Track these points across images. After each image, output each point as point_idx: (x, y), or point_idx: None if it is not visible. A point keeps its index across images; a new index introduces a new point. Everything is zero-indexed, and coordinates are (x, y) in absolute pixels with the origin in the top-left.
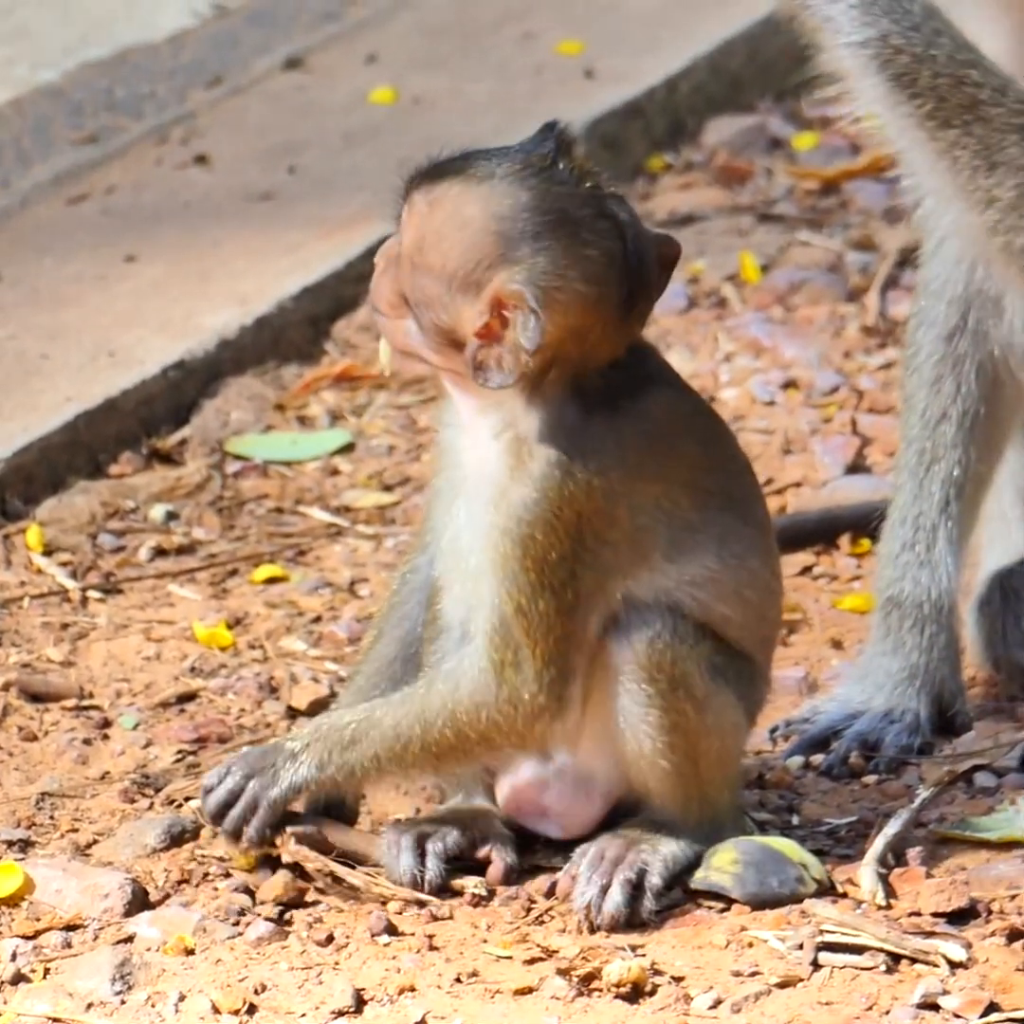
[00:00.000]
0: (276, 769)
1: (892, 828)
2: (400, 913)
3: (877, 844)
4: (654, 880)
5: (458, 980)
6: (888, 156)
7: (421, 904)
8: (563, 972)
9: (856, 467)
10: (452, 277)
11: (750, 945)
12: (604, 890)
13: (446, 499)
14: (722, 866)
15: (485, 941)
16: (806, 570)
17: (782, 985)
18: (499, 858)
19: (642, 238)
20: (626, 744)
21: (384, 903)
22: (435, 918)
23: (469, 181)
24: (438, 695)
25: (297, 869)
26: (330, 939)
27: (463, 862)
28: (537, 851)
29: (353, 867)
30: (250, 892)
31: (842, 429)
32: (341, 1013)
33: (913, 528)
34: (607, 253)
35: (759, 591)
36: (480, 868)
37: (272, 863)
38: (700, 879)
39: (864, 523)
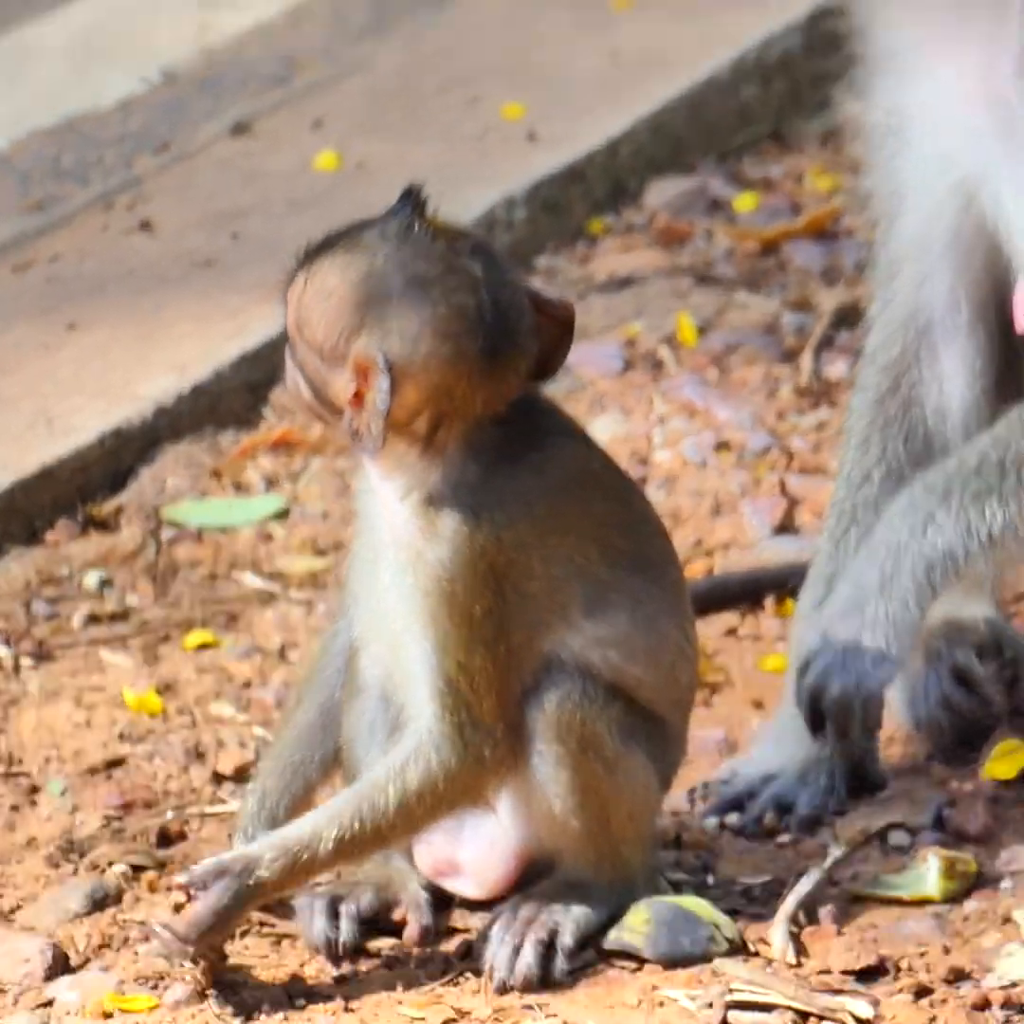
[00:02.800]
0: (247, 878)
1: (804, 887)
2: (317, 975)
3: (788, 902)
4: (566, 940)
5: None
6: (825, 216)
7: (336, 964)
8: None
9: (784, 528)
10: (322, 349)
11: (661, 1004)
12: (516, 950)
13: (364, 563)
14: (634, 926)
15: (400, 1002)
16: (731, 631)
17: None
18: (415, 919)
19: (502, 290)
20: (538, 804)
21: (302, 966)
22: (351, 980)
23: (334, 253)
24: (409, 769)
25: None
26: (247, 1003)
27: (379, 924)
28: (453, 912)
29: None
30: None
31: (771, 490)
32: None
33: (826, 589)
34: (458, 309)
35: (671, 654)
36: (396, 930)
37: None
38: (613, 939)
39: (789, 584)
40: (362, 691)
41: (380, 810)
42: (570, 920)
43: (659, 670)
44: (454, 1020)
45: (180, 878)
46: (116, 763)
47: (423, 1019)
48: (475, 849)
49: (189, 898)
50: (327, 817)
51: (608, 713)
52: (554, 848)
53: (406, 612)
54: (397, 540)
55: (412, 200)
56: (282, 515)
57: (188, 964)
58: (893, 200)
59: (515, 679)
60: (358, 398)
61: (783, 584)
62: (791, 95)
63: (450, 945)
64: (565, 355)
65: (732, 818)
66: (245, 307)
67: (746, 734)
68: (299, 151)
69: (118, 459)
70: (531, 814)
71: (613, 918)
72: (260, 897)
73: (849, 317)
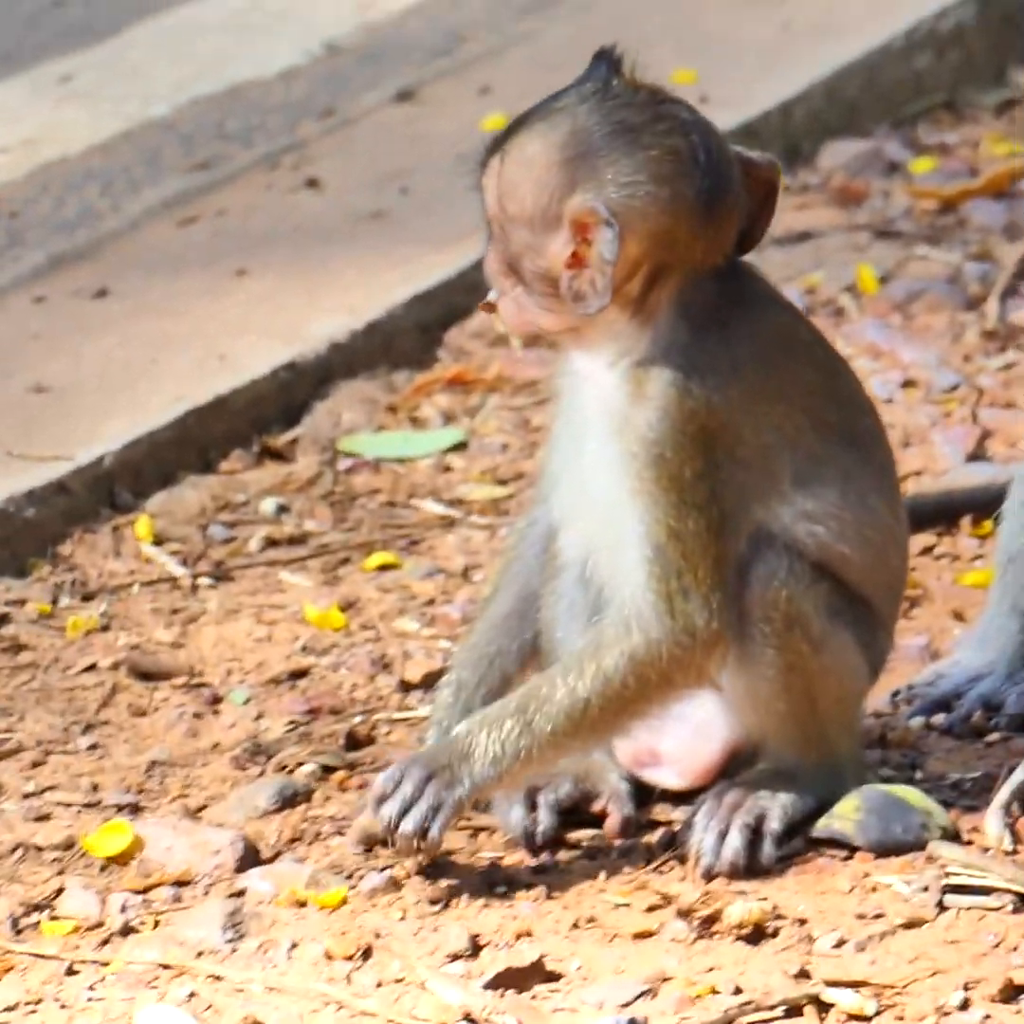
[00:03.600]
0: (453, 768)
1: (1019, 776)
2: (516, 866)
3: (1003, 792)
4: (773, 825)
5: (576, 926)
6: (1006, 175)
7: (535, 854)
8: (683, 914)
9: (977, 457)
10: (533, 219)
11: (874, 889)
12: (722, 836)
13: (565, 444)
14: (844, 813)
15: (603, 891)
16: (927, 550)
17: (907, 926)
18: (616, 810)
19: (710, 135)
20: (743, 685)
21: (500, 857)
22: (551, 870)
23: (530, 124)
24: (611, 644)
25: None
26: (445, 890)
27: (578, 816)
28: (654, 806)
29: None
30: (366, 850)
31: (963, 421)
32: (457, 957)
33: None
34: (671, 151)
35: (881, 533)
36: (596, 822)
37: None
38: (822, 827)
39: (986, 505)
40: (561, 573)
41: (579, 687)
42: (777, 806)
43: (868, 550)
44: (660, 906)
45: (374, 786)
46: (300, 673)
47: (628, 905)
48: (677, 737)
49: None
50: (525, 695)
51: (815, 591)
52: (760, 734)
53: (613, 482)
54: (604, 409)
55: (606, 60)
56: (460, 447)
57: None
58: None
59: (731, 547)
60: (577, 258)
61: (980, 505)
62: (966, 66)
63: (652, 836)
64: (769, 220)
65: (938, 718)
66: (416, 256)
67: (948, 643)
68: (465, 116)
69: (292, 393)
70: (736, 694)
71: (821, 807)
72: (473, 790)
73: None
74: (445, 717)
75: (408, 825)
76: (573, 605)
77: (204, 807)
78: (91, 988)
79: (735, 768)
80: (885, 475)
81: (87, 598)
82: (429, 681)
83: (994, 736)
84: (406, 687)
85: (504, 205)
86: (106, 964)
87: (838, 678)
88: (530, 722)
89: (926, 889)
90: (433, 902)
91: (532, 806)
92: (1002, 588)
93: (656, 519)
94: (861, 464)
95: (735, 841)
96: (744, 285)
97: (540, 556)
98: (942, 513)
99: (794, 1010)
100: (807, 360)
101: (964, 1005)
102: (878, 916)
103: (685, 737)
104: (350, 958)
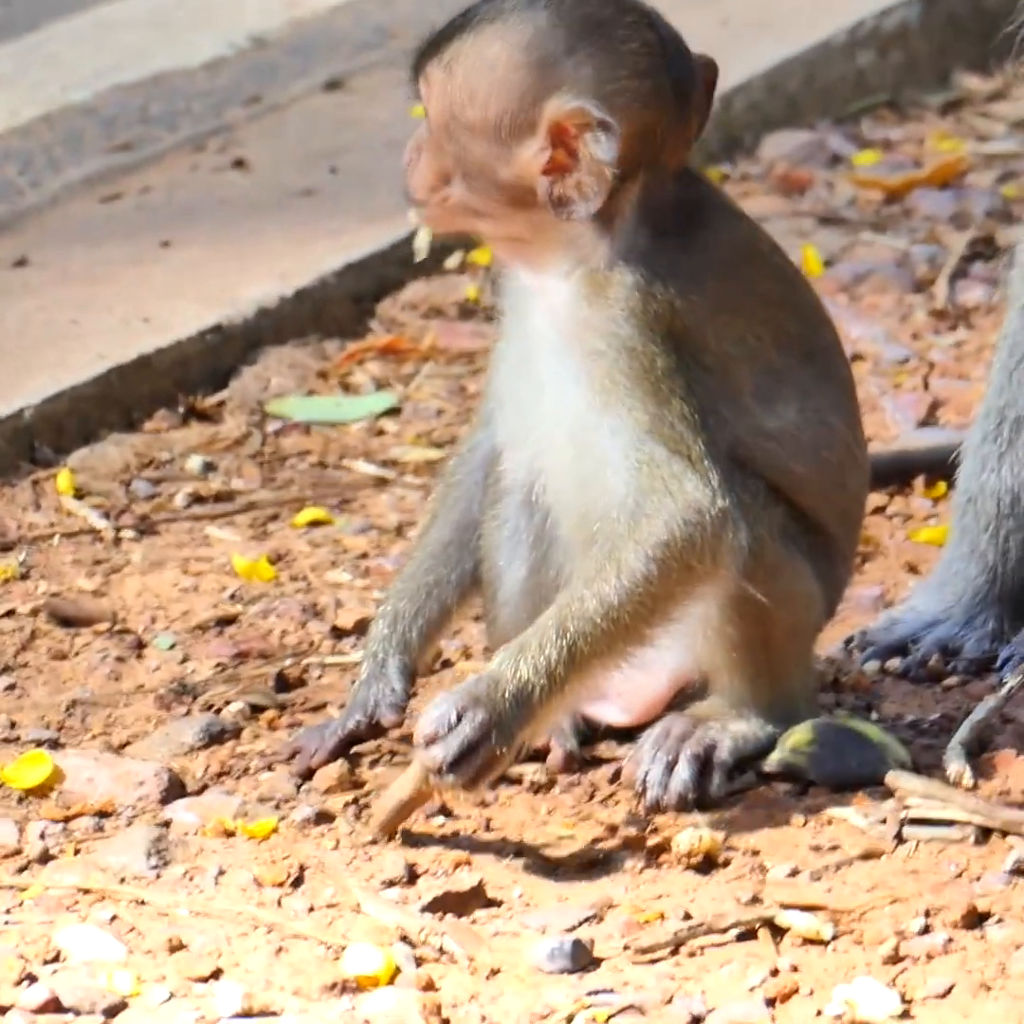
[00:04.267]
0: (506, 710)
1: (979, 714)
2: (456, 799)
3: (963, 728)
4: (723, 756)
5: (518, 854)
6: (953, 165)
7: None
8: (630, 843)
9: (928, 424)
10: (497, 127)
11: (829, 822)
12: (670, 767)
13: (510, 364)
14: (798, 746)
15: (545, 823)
16: (879, 510)
17: (864, 857)
18: (558, 744)
19: (669, 26)
20: (692, 613)
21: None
22: (491, 804)
23: (478, 27)
24: (623, 540)
25: (351, 758)
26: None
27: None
28: (599, 744)
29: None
30: (296, 785)
31: (913, 390)
32: (393, 883)
33: (997, 419)
34: (646, 44)
35: (839, 453)
36: (538, 757)
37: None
38: (774, 761)
39: (940, 466)
40: (504, 497)
41: (607, 589)
42: (728, 737)
43: (826, 472)
44: (605, 837)
45: (423, 727)
46: (228, 621)
47: (572, 836)
48: (622, 671)
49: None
50: (554, 616)
51: (770, 514)
52: (710, 664)
53: (574, 390)
54: (559, 318)
55: None
56: (394, 412)
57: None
58: None
59: (716, 437)
60: (555, 163)
61: (934, 466)
62: (909, 66)
63: (597, 772)
64: (707, 117)
65: (894, 663)
66: (348, 228)
67: (903, 593)
68: (395, 103)
69: (219, 356)
70: (686, 624)
71: (774, 741)
72: (530, 732)
73: (983, 251)
74: (380, 649)
75: (468, 770)
76: (517, 531)
77: (127, 744)
78: (8, 912)
79: (682, 704)
80: (845, 392)
81: (5, 548)
82: (362, 627)
83: (951, 680)
84: (338, 633)
85: (456, 114)
86: (24, 889)
87: (792, 607)
88: (573, 645)
89: (884, 821)
90: (368, 831)
91: None
92: (960, 530)
93: (634, 410)
94: (820, 379)
95: (683, 773)
96: (700, 191)
97: (481, 482)
98: (896, 472)
99: (747, 933)
100: (767, 271)
101: (925, 930)
102: (834, 848)
103: (630, 671)
104: (280, 885)
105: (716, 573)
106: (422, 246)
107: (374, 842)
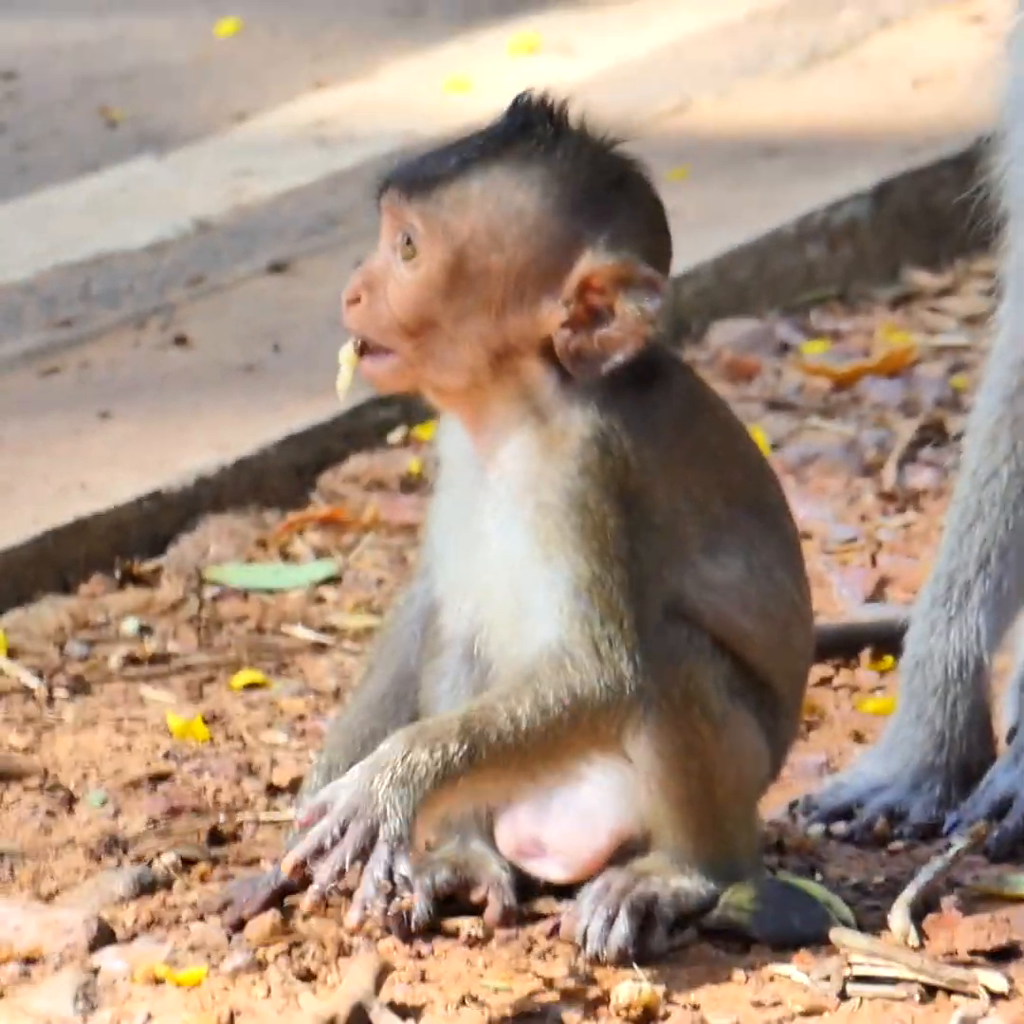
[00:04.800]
0: (383, 798)
1: (925, 876)
2: (390, 952)
3: (908, 889)
4: (665, 911)
5: (462, 1004)
6: (902, 354)
7: (407, 940)
8: (568, 996)
9: (875, 600)
10: (522, 275)
11: (771, 978)
12: (610, 921)
13: (450, 514)
14: (740, 904)
15: (482, 975)
16: (825, 681)
17: (807, 1013)
18: (496, 899)
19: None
20: (635, 766)
21: (377, 941)
22: (427, 956)
23: (489, 170)
24: (548, 676)
25: (284, 909)
26: (311, 972)
27: (457, 906)
28: (538, 898)
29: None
30: (228, 936)
31: (861, 566)
32: None
33: (947, 584)
34: (656, 201)
35: (785, 609)
36: (476, 911)
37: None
38: (716, 917)
39: (887, 639)
40: (444, 650)
41: (523, 720)
42: (669, 892)
43: (772, 627)
44: (543, 990)
45: (299, 812)
46: (161, 777)
47: (510, 989)
48: (562, 826)
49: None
50: (475, 721)
51: (716, 668)
52: (652, 819)
53: (519, 541)
54: (510, 469)
55: (539, 107)
56: (333, 581)
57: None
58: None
59: (649, 611)
60: (576, 317)
61: (881, 639)
62: (859, 260)
63: (535, 927)
64: None
65: (839, 827)
66: (290, 402)
67: (848, 761)
68: (340, 286)
69: (156, 523)
70: (626, 778)
71: (715, 898)
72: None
73: (933, 437)
74: None
75: (337, 875)
76: (457, 684)
77: (56, 893)
78: None
79: (624, 860)
80: (790, 548)
81: None
82: (298, 785)
83: (897, 845)
84: (274, 791)
85: (474, 257)
86: None
87: (737, 763)
88: (473, 746)
89: (827, 978)
90: (300, 979)
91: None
92: (908, 695)
93: (577, 566)
94: (767, 534)
95: (623, 927)
96: (655, 351)
97: (419, 634)
98: (842, 645)
99: None
100: (716, 425)
101: None
102: (776, 1004)
103: (570, 826)
104: None
105: (616, 744)
106: (344, 387)
107: (306, 988)
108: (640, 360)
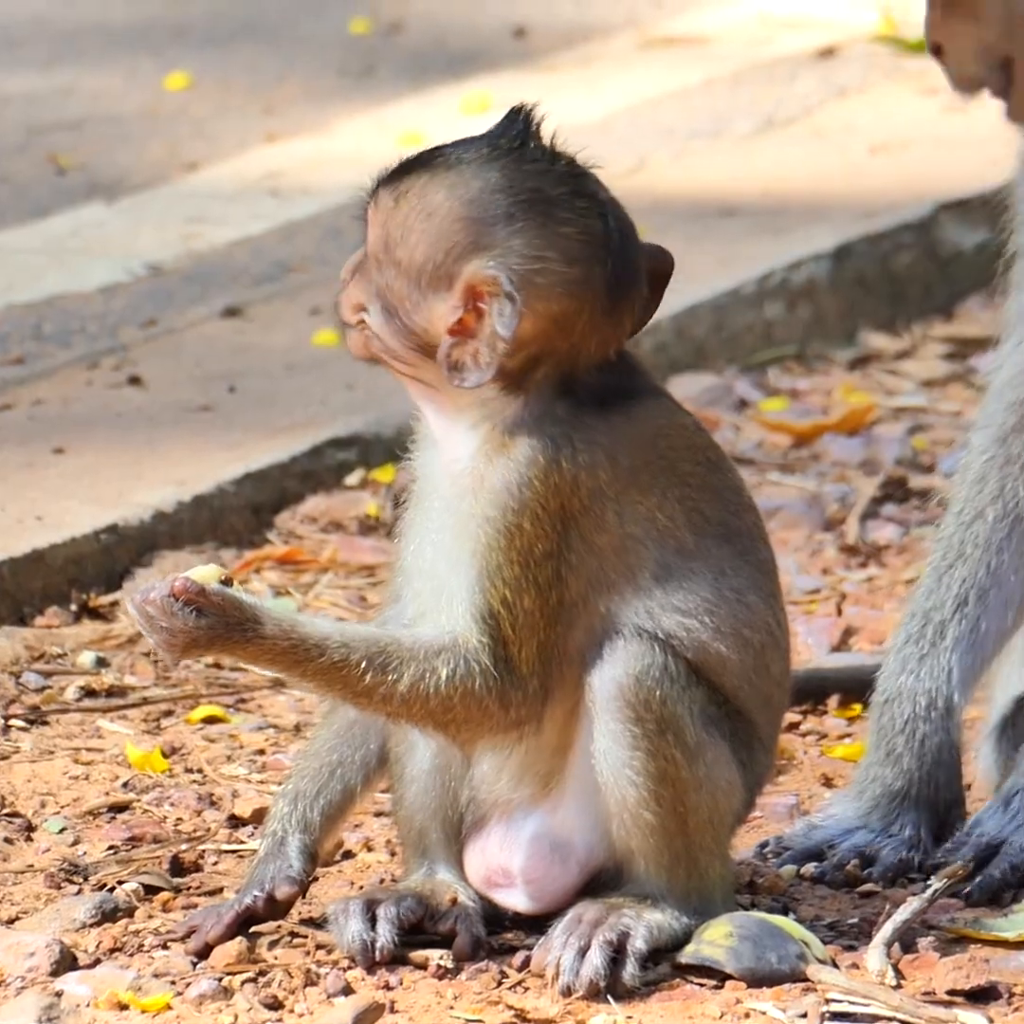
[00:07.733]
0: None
1: (902, 915)
2: (357, 982)
3: (885, 928)
4: (638, 944)
5: None
6: (864, 412)
7: (372, 971)
8: None
9: (841, 649)
10: (421, 272)
11: (747, 1015)
12: (582, 953)
13: (419, 531)
14: (715, 939)
15: (452, 1007)
16: (793, 726)
17: None
18: (465, 929)
19: (624, 218)
20: (608, 795)
21: (345, 970)
22: (395, 987)
23: (435, 170)
24: (444, 664)
25: (250, 936)
26: (278, 1000)
27: (424, 936)
28: (508, 930)
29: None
30: (192, 963)
31: (827, 616)
32: None
33: (922, 622)
34: (586, 231)
35: (761, 634)
36: (444, 943)
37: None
38: (690, 953)
39: (855, 687)
40: None
41: (390, 671)
42: (643, 925)
43: (747, 652)
44: (514, 1022)
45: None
46: (120, 807)
47: (480, 1021)
48: (532, 857)
49: None
50: (343, 637)
51: (691, 695)
52: (624, 851)
53: (459, 543)
54: (458, 469)
55: (524, 119)
56: None
57: None
58: None
59: (562, 637)
60: (463, 325)
61: (849, 687)
62: (817, 321)
63: (506, 960)
64: (657, 306)
65: (810, 868)
66: (247, 442)
67: (818, 803)
68: (295, 331)
69: (113, 557)
70: (600, 809)
71: (689, 932)
72: (240, 645)
73: (895, 492)
74: (280, 827)
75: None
76: None
77: (16, 918)
78: None
79: (595, 892)
80: (766, 574)
81: None
82: (261, 817)
83: (868, 886)
84: (236, 822)
85: (389, 247)
86: None
87: (712, 793)
88: (342, 653)
89: (804, 1015)
90: (267, 1007)
91: (371, 920)
92: (878, 733)
93: (494, 586)
94: (738, 560)
95: (595, 959)
96: (630, 373)
97: None
98: (809, 692)
99: None
100: (687, 451)
101: None
102: None
103: (540, 857)
104: None
105: (475, 743)
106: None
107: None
108: (610, 382)
